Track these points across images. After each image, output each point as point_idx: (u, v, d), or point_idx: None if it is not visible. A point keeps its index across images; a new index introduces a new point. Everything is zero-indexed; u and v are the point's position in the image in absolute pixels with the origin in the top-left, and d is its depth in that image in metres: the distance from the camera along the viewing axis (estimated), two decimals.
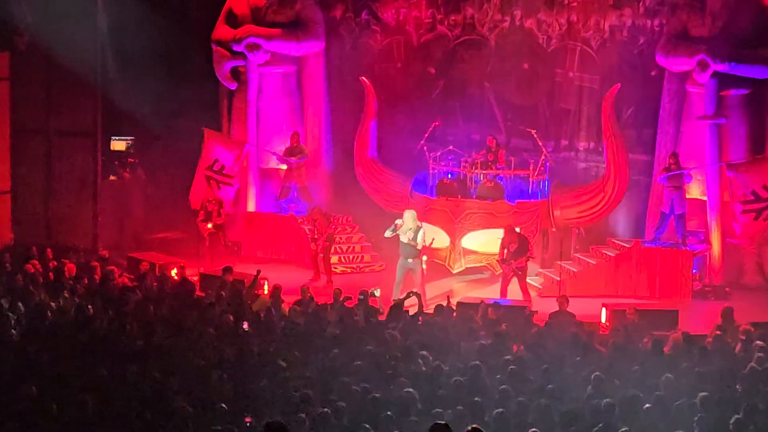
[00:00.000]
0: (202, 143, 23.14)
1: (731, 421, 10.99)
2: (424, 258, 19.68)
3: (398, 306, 16.35)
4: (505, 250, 19.63)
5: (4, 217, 23.20)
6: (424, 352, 13.50)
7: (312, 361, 13.32)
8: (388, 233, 19.52)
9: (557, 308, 17.00)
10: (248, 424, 11.06)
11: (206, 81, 24.16)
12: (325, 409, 10.91)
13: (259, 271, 18.12)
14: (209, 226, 21.96)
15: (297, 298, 17.14)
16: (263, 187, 23.83)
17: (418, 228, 19.40)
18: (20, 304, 15.42)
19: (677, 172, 20.56)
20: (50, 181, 23.34)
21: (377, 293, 17.47)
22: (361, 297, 17.08)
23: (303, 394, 11.48)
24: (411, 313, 16.52)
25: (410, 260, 19.36)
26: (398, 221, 19.38)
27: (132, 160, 24.51)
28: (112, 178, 24.04)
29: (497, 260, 20.16)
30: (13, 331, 14.17)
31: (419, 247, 19.42)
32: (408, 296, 17.15)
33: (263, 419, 10.30)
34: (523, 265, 19.57)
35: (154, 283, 18.01)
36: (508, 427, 11.03)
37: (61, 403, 11.18)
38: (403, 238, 19.32)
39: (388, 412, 11.00)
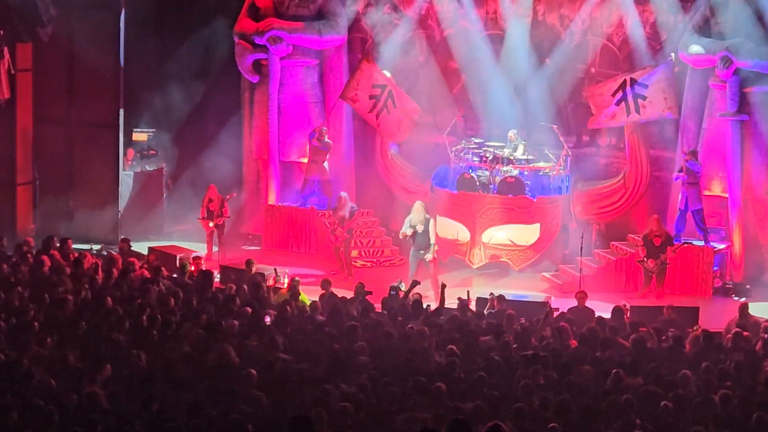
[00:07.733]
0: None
1: (752, 419, 11.00)
2: (435, 247, 19.75)
3: (417, 302, 16.30)
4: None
5: (27, 208, 23.31)
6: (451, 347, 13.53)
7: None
8: (402, 233, 19.73)
9: (576, 304, 17.08)
10: None
11: (228, 74, 24.20)
12: (345, 404, 10.93)
13: (286, 271, 18.12)
14: (210, 224, 22.02)
15: (318, 292, 17.13)
16: (285, 180, 23.87)
17: (427, 219, 19.68)
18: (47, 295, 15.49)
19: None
20: (72, 172, 23.43)
21: (402, 286, 17.54)
22: (392, 292, 17.07)
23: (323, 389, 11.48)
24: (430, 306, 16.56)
25: (422, 251, 19.64)
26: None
27: (153, 152, 24.55)
28: (138, 170, 24.13)
29: (637, 261, 20.31)
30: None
31: (432, 239, 19.55)
32: (413, 285, 17.23)
33: None
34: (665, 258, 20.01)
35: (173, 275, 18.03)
36: (528, 422, 11.03)
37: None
38: (419, 228, 19.51)
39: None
